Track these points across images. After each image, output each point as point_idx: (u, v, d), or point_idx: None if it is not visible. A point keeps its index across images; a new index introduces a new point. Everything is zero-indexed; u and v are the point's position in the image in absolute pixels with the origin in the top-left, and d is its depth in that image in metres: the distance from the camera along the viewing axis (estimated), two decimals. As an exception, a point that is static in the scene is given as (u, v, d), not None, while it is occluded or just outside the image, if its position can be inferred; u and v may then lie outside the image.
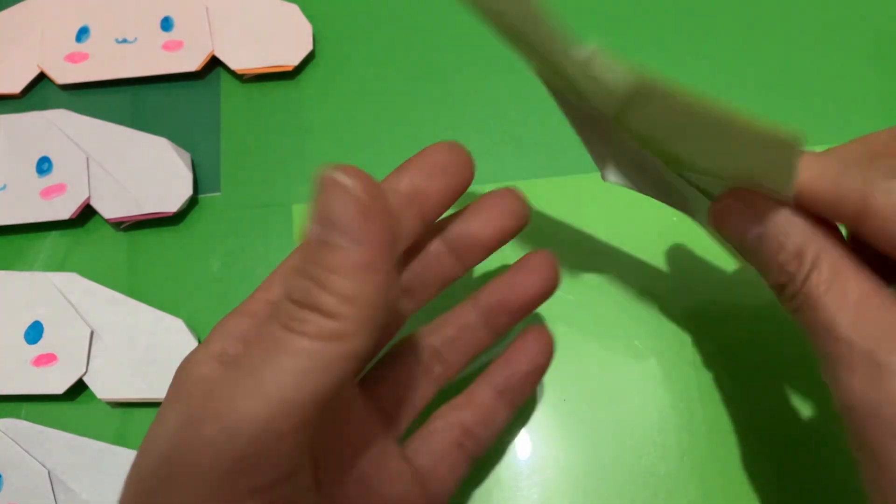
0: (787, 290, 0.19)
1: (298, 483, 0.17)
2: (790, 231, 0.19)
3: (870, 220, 0.18)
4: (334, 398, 0.16)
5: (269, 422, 0.15)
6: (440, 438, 0.22)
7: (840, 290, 0.18)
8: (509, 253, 0.26)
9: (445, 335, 0.23)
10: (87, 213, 0.31)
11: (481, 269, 0.28)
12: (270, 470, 0.16)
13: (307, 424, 0.16)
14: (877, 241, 0.18)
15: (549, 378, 0.26)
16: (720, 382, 0.28)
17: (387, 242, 0.16)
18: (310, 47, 0.33)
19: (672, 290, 0.29)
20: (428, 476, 0.22)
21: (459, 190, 0.22)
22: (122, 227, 0.31)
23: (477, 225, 0.22)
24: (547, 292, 0.23)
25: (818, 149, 0.33)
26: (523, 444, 0.28)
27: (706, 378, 0.28)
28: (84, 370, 0.28)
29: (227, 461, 0.15)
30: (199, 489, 0.15)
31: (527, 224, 0.23)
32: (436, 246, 0.22)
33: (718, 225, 0.20)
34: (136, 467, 0.17)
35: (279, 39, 0.33)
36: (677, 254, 0.30)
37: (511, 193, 0.23)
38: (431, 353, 0.23)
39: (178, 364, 0.29)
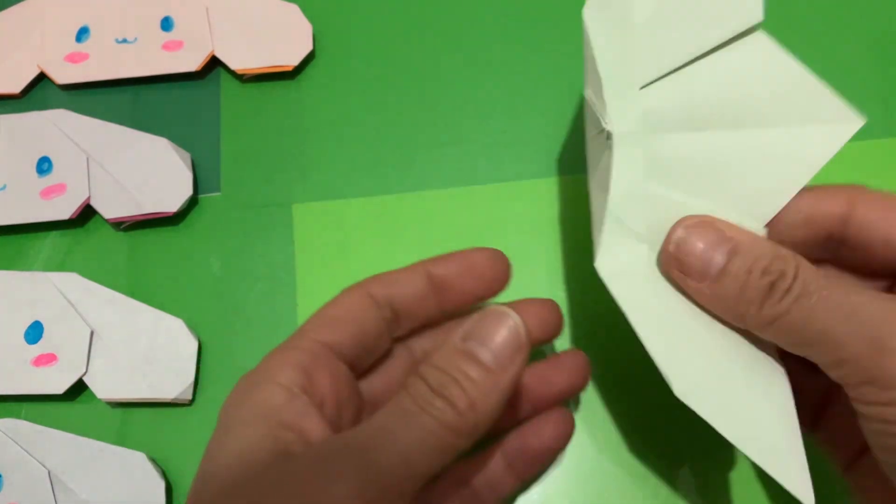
0: (766, 312, 0.19)
1: None
2: (764, 251, 0.19)
3: (854, 224, 0.19)
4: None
5: (401, 479, 0.17)
6: (449, 494, 0.23)
7: (829, 296, 0.18)
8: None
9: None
10: (87, 213, 0.31)
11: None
12: None
13: (412, 493, 0.18)
14: (863, 245, 0.20)
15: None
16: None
17: (518, 377, 0.19)
18: (310, 47, 0.33)
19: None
20: None
21: (488, 295, 0.23)
22: (122, 227, 0.31)
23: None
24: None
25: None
26: (523, 444, 0.28)
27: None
28: (84, 370, 0.28)
29: (360, 498, 0.17)
30: None
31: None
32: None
33: (681, 254, 0.20)
34: (214, 477, 0.18)
35: (279, 39, 0.33)
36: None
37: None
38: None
39: (177, 364, 0.29)
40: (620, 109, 0.20)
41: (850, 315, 0.18)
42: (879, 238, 0.20)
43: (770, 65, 0.21)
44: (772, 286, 0.19)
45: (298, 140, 0.32)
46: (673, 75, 0.21)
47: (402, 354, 0.24)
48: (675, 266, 0.21)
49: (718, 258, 0.20)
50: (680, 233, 0.20)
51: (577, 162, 0.31)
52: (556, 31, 0.34)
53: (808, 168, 0.21)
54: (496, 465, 0.23)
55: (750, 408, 0.19)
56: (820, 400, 0.22)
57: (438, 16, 0.34)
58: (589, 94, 0.19)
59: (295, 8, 0.34)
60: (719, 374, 0.20)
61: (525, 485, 0.24)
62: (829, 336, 0.18)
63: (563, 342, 0.29)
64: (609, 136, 0.17)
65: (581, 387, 0.24)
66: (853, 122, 0.21)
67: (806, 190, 0.21)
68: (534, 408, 0.24)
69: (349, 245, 0.31)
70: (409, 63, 0.34)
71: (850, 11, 0.34)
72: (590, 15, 0.18)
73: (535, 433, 0.23)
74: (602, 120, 0.17)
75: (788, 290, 0.19)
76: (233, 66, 0.33)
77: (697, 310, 0.20)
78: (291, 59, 0.33)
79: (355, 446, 0.18)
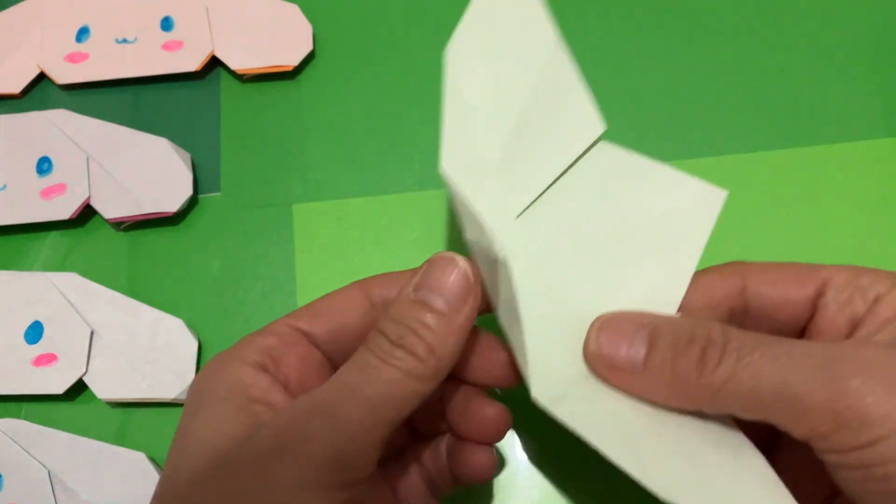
0: (706, 381, 0.18)
1: (363, 490, 0.19)
2: (684, 323, 0.20)
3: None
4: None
5: (369, 427, 0.18)
6: (412, 471, 0.23)
7: (770, 350, 0.18)
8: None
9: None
10: (87, 213, 0.31)
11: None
12: (359, 469, 0.18)
13: (385, 440, 0.19)
14: (764, 310, 0.21)
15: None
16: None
17: (473, 318, 0.20)
18: (310, 47, 0.33)
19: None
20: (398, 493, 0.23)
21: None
22: (122, 227, 0.31)
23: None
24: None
25: (818, 148, 0.33)
26: (523, 445, 0.28)
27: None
28: (84, 370, 0.28)
29: (332, 452, 0.18)
30: (306, 471, 0.18)
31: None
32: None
33: (603, 352, 0.20)
34: (191, 452, 0.19)
35: (279, 39, 0.33)
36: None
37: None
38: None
39: (177, 364, 0.29)
40: (506, 237, 0.21)
41: (799, 364, 0.17)
42: (777, 300, 0.21)
43: (625, 166, 0.22)
44: (703, 354, 0.19)
45: (298, 140, 0.32)
46: (542, 198, 0.22)
47: None
48: (601, 366, 0.20)
49: (640, 344, 0.20)
50: (595, 332, 0.20)
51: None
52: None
53: (693, 252, 0.22)
54: (416, 479, 0.23)
55: (736, 486, 0.19)
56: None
57: (438, 16, 0.34)
58: (470, 237, 0.19)
59: (295, 8, 0.34)
60: (696, 464, 0.19)
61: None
62: (785, 390, 0.17)
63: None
64: (503, 263, 0.18)
65: (497, 439, 0.22)
66: (717, 198, 0.22)
67: (698, 274, 0.21)
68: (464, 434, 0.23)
69: (349, 245, 0.31)
70: (409, 63, 0.34)
71: (850, 11, 0.34)
72: (450, 169, 0.18)
73: (464, 460, 0.22)
74: (491, 250, 0.18)
75: (724, 354, 0.18)
76: (233, 66, 0.33)
77: (646, 405, 0.20)
78: (291, 59, 0.33)
79: (322, 404, 0.18)
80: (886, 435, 0.16)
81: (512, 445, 0.27)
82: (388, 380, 0.18)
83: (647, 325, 0.20)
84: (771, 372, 0.17)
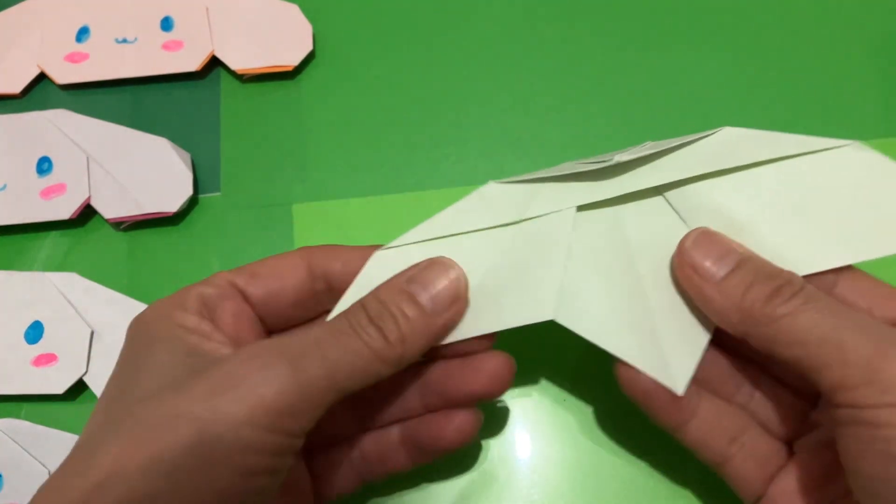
0: (769, 311, 0.20)
1: (293, 455, 0.20)
2: (771, 265, 0.21)
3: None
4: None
5: (324, 388, 0.19)
6: (341, 456, 0.24)
7: (835, 305, 0.20)
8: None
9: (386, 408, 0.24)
10: (87, 213, 0.31)
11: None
12: (303, 423, 0.19)
13: (332, 403, 0.20)
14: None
15: (549, 378, 0.26)
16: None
17: (450, 326, 0.22)
18: (310, 47, 0.33)
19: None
20: (320, 477, 0.24)
21: None
22: (122, 227, 0.31)
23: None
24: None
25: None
26: (523, 444, 0.28)
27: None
28: (84, 370, 0.28)
29: (286, 398, 0.19)
30: (257, 409, 0.18)
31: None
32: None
33: (695, 254, 0.22)
34: (137, 378, 0.20)
35: (279, 39, 0.33)
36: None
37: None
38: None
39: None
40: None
41: (854, 324, 0.19)
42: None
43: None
44: (778, 289, 0.20)
45: (298, 140, 0.32)
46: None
47: None
48: (684, 265, 0.22)
49: (726, 264, 0.21)
50: (692, 239, 0.22)
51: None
52: (555, 31, 0.34)
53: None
54: (392, 441, 0.24)
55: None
56: (773, 467, 0.23)
57: (438, 16, 0.34)
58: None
59: (295, 8, 0.34)
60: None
61: (417, 465, 0.24)
62: (832, 337, 0.19)
63: (563, 338, 0.28)
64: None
65: (497, 393, 0.23)
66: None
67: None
68: (444, 402, 0.23)
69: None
70: (409, 63, 0.34)
71: (850, 11, 0.34)
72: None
73: (436, 426, 0.23)
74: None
75: (794, 295, 0.20)
76: (233, 66, 0.33)
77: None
78: (291, 59, 0.33)
79: (289, 350, 0.19)
80: None
81: (512, 445, 0.27)
82: (355, 350, 0.20)
83: (737, 252, 0.21)
84: (827, 321, 0.19)
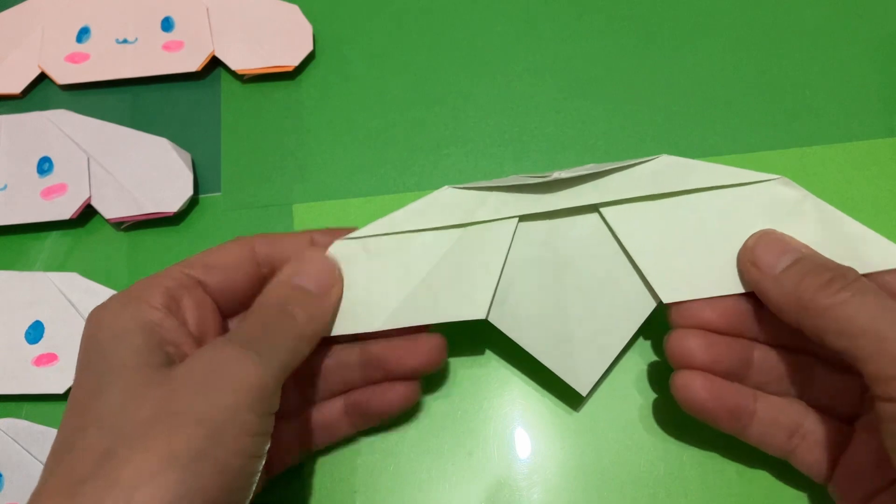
0: (823, 301, 0.21)
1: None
2: (827, 259, 0.22)
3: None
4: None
5: (281, 364, 0.21)
6: (286, 425, 0.26)
7: (882, 298, 0.21)
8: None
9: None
10: (87, 213, 0.31)
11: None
12: (277, 400, 0.21)
13: (284, 381, 0.22)
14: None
15: (549, 378, 0.26)
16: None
17: (338, 299, 0.25)
18: (310, 47, 0.33)
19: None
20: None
21: None
22: (122, 227, 0.31)
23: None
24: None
25: (818, 148, 0.33)
26: (523, 444, 0.28)
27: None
28: (85, 370, 0.28)
29: (267, 380, 0.21)
30: (242, 397, 0.20)
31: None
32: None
33: (758, 250, 0.24)
34: (109, 377, 0.20)
35: (279, 39, 0.33)
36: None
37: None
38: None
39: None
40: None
41: None
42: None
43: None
44: (830, 280, 0.21)
45: (298, 140, 0.33)
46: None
47: None
48: (746, 259, 0.24)
49: (785, 260, 0.23)
50: (756, 239, 0.24)
51: (576, 162, 0.31)
52: (555, 30, 0.34)
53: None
54: (336, 411, 0.26)
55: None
56: (837, 449, 0.24)
57: (438, 16, 0.34)
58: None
59: (295, 8, 0.34)
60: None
61: (358, 431, 0.27)
62: (877, 329, 0.20)
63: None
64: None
65: (432, 367, 0.26)
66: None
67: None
68: (384, 376, 0.26)
69: (349, 245, 0.31)
70: (409, 63, 0.34)
71: (849, 11, 0.34)
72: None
73: (378, 394, 0.26)
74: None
75: (845, 287, 0.21)
76: (233, 66, 0.33)
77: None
78: (291, 60, 0.33)
79: (250, 341, 0.21)
80: None
81: (512, 445, 0.28)
82: (290, 333, 0.22)
83: (798, 249, 0.23)
84: (874, 313, 0.20)
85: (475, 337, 0.29)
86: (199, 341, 0.23)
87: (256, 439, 0.20)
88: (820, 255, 0.23)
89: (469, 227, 0.25)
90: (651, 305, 0.25)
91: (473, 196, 0.26)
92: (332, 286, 0.24)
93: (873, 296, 0.21)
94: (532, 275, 0.26)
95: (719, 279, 0.24)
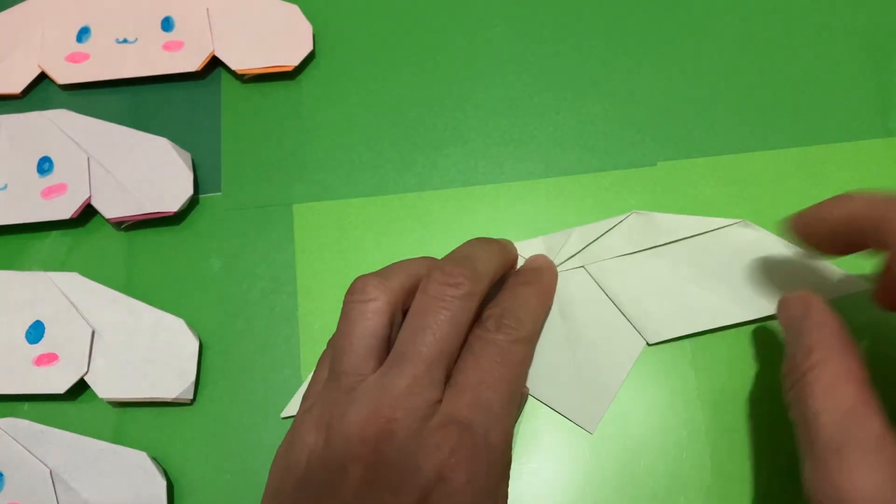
0: (788, 379, 0.22)
1: None
2: (811, 329, 0.22)
3: None
4: None
5: None
6: None
7: (834, 393, 0.21)
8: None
9: None
10: (87, 213, 0.31)
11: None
12: None
13: None
14: None
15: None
16: (719, 381, 0.28)
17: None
18: (310, 47, 0.33)
19: (671, 290, 0.29)
20: None
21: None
22: (122, 226, 0.31)
23: None
24: None
25: (817, 148, 0.33)
26: (523, 444, 0.28)
27: (705, 377, 0.28)
28: (85, 370, 0.28)
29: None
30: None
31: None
32: None
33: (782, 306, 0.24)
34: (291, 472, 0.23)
35: (279, 39, 0.33)
36: (677, 254, 0.30)
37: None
38: None
39: (178, 363, 0.29)
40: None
41: None
42: None
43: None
44: (786, 376, 0.22)
45: (298, 140, 0.33)
46: None
47: None
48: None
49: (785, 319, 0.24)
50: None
51: (577, 162, 0.31)
52: (556, 30, 0.34)
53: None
54: None
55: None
56: None
57: (438, 16, 0.34)
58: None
59: (295, 8, 0.34)
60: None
61: None
62: None
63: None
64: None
65: None
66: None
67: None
68: None
69: (349, 245, 0.31)
70: (410, 63, 0.34)
71: (848, 11, 0.34)
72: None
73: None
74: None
75: (793, 387, 0.22)
76: (233, 66, 0.33)
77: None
78: (291, 59, 0.33)
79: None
80: None
81: (513, 446, 0.28)
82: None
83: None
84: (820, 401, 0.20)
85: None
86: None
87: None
88: None
89: None
90: (642, 343, 0.28)
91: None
92: (541, 315, 0.28)
93: None
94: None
95: (696, 318, 0.28)
